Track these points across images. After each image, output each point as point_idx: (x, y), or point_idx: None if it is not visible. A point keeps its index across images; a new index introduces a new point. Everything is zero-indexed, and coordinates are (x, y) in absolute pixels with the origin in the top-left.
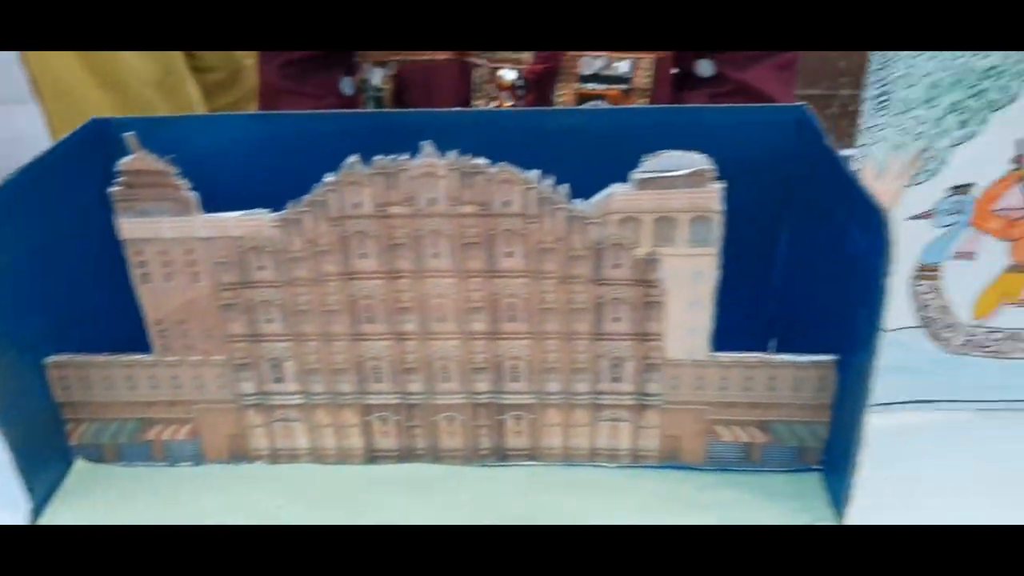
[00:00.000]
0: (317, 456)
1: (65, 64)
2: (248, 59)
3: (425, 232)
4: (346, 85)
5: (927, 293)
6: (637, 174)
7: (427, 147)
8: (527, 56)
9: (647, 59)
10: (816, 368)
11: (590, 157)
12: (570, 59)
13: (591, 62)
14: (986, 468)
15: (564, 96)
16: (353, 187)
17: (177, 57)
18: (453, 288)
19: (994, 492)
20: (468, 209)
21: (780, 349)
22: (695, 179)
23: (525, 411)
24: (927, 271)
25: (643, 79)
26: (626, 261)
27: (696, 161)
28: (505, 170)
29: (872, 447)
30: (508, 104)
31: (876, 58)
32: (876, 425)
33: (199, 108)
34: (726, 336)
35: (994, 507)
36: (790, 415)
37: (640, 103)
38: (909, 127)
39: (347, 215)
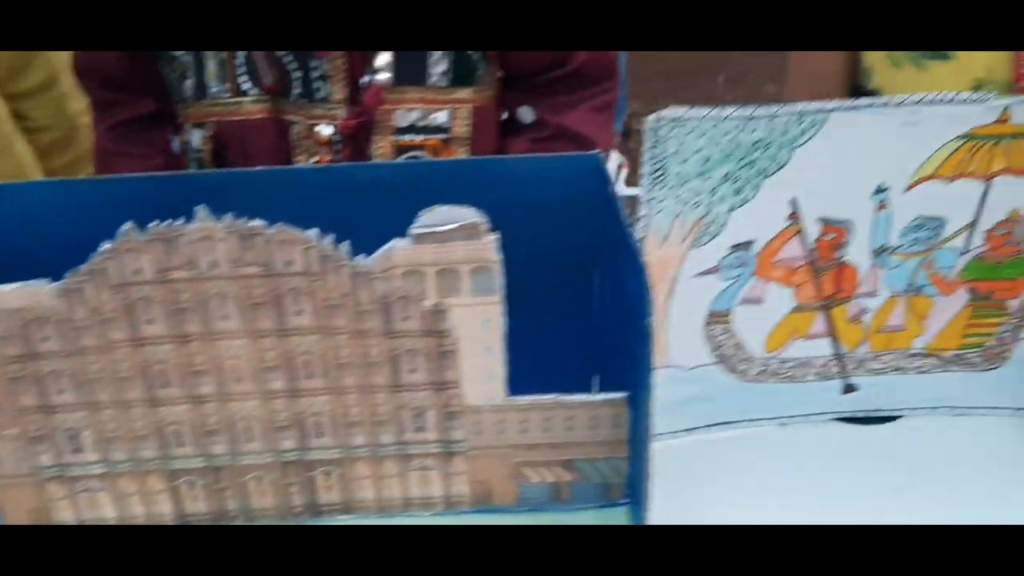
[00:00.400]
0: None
1: None
2: (83, 118)
3: (210, 295)
4: (177, 144)
5: (720, 336)
6: (414, 229)
7: (201, 211)
8: (341, 111)
9: (464, 108)
10: (609, 406)
11: (400, 211)
12: (385, 112)
13: (406, 114)
14: (786, 473)
15: (382, 149)
16: (131, 254)
17: (4, 119)
18: (245, 349)
19: (793, 494)
20: (251, 270)
21: (602, 387)
22: (470, 231)
23: (334, 466)
24: (718, 317)
25: (462, 128)
26: (415, 313)
27: (467, 215)
28: (283, 231)
29: (678, 467)
30: (327, 159)
31: (649, 136)
32: (682, 447)
33: (32, 170)
34: (554, 376)
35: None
36: (591, 453)
37: (460, 152)
38: (686, 197)
39: (128, 282)
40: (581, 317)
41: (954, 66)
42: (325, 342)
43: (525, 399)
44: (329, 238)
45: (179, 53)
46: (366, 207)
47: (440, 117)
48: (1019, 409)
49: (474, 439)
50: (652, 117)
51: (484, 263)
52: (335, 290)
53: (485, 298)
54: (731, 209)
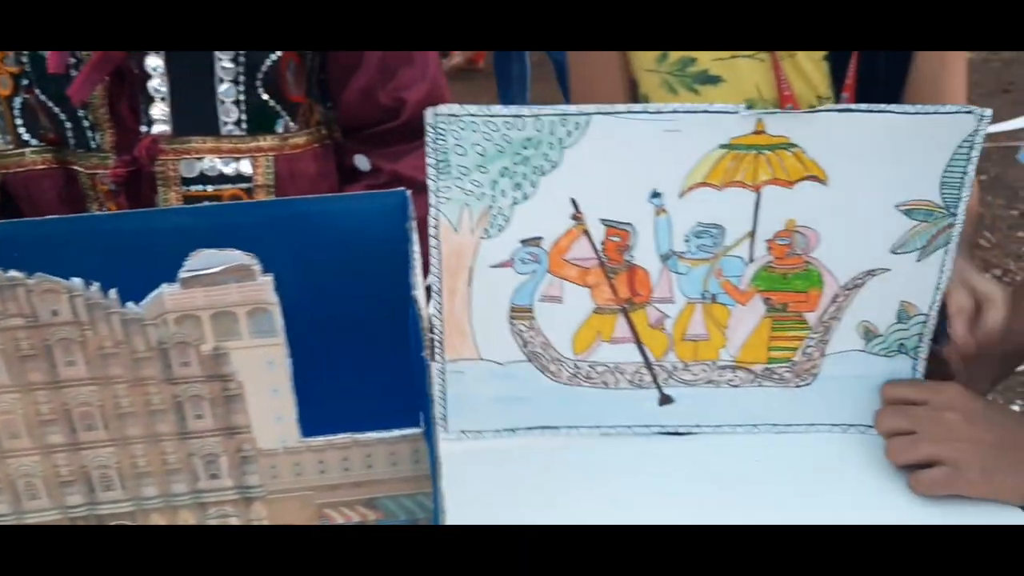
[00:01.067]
0: None
1: None
2: None
3: None
4: None
5: (527, 332)
6: (181, 273)
7: None
8: (112, 160)
9: (266, 157)
10: (407, 441)
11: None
12: (166, 163)
13: (192, 164)
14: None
15: (168, 201)
16: None
17: None
18: (19, 402)
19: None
20: (16, 322)
21: (427, 422)
22: (242, 273)
23: (127, 519)
24: (521, 312)
25: (265, 177)
26: (194, 358)
27: (237, 257)
28: (45, 280)
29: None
30: (114, 209)
31: (429, 130)
32: (502, 448)
33: None
34: (383, 413)
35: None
36: (394, 490)
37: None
38: (470, 188)
39: None
40: (401, 352)
41: (725, 88)
42: (103, 392)
43: (320, 439)
44: (95, 286)
45: None
46: (151, 254)
47: (241, 166)
48: (836, 425)
49: (271, 483)
50: (429, 111)
51: (261, 304)
52: (108, 338)
53: (266, 340)
54: (514, 203)
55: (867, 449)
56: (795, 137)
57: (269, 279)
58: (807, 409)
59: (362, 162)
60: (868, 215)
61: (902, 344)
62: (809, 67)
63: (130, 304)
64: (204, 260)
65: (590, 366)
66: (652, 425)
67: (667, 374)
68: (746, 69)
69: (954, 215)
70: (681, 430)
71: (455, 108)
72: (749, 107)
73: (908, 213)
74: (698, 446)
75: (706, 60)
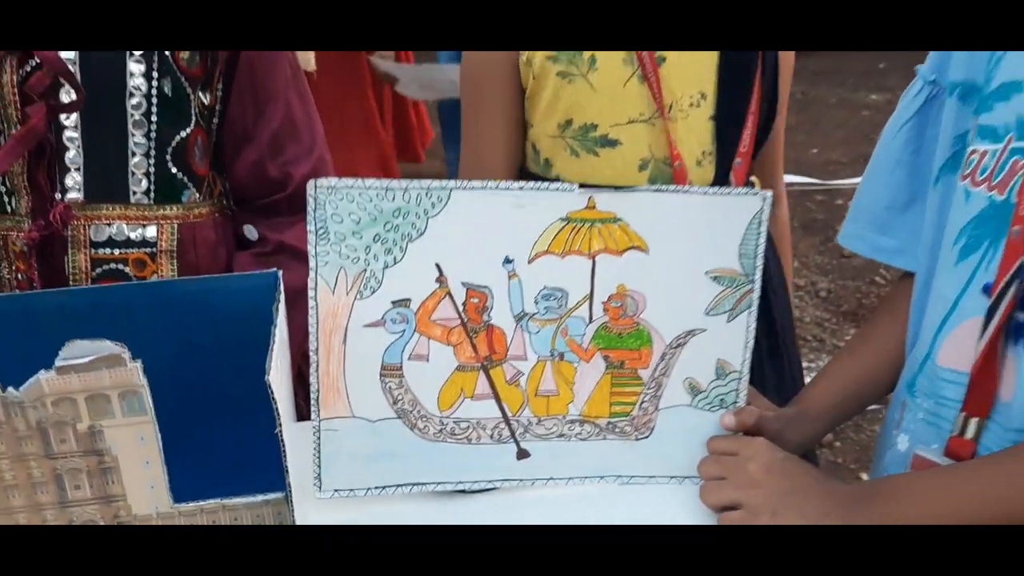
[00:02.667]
0: None
1: None
2: None
3: None
4: None
5: (396, 389)
6: (58, 361)
7: None
8: (27, 224)
9: (170, 224)
10: (271, 505)
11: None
12: (78, 227)
13: (102, 229)
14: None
15: (77, 262)
16: None
17: None
18: None
19: None
20: None
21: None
22: (113, 361)
23: None
24: (391, 370)
25: (168, 243)
26: (71, 436)
27: (108, 347)
28: None
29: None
30: (23, 268)
31: (309, 201)
32: (370, 510)
33: None
34: (250, 481)
35: None
36: None
37: (167, 265)
38: (346, 253)
39: None
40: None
41: (622, 150)
42: None
43: (191, 505)
44: None
45: None
46: (32, 334)
47: (147, 232)
48: (673, 477)
49: None
50: (311, 183)
51: (131, 387)
52: None
53: (137, 418)
54: (385, 267)
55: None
56: (620, 212)
57: (138, 365)
58: (647, 461)
59: (250, 231)
60: (684, 281)
61: (722, 400)
62: (698, 127)
63: (11, 389)
64: (78, 350)
65: (455, 422)
66: (511, 479)
67: (523, 428)
68: (641, 132)
69: (752, 281)
70: (538, 483)
71: (333, 181)
72: (642, 167)
73: (716, 279)
74: (551, 500)
75: (605, 126)
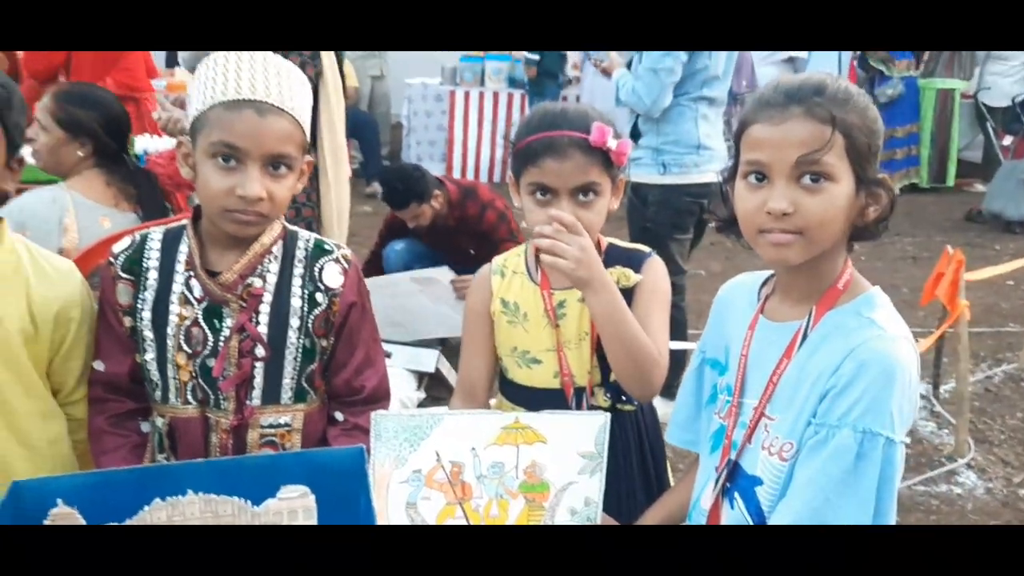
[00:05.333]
0: None
1: None
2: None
3: None
4: (144, 427)
5: (415, 515)
6: (279, 495)
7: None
8: (231, 416)
9: (300, 414)
10: None
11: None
12: (256, 418)
13: (267, 418)
14: None
15: (252, 436)
16: None
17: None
18: None
19: None
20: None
21: None
22: (303, 495)
23: None
24: (411, 505)
25: (298, 424)
26: None
27: (300, 490)
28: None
29: None
30: (227, 439)
31: (373, 420)
32: None
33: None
34: None
35: None
36: None
37: (296, 436)
38: (390, 446)
39: None
40: None
41: (544, 367)
42: None
43: None
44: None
45: (156, 377)
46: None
47: (288, 419)
48: None
49: None
50: (373, 414)
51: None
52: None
53: None
54: (409, 453)
55: None
56: (530, 423)
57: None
58: None
59: (339, 415)
60: (565, 457)
61: (588, 518)
62: (586, 357)
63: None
64: (286, 491)
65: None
66: None
67: None
68: (551, 358)
69: (602, 456)
70: None
71: (385, 412)
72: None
73: (582, 455)
74: None
75: (536, 351)
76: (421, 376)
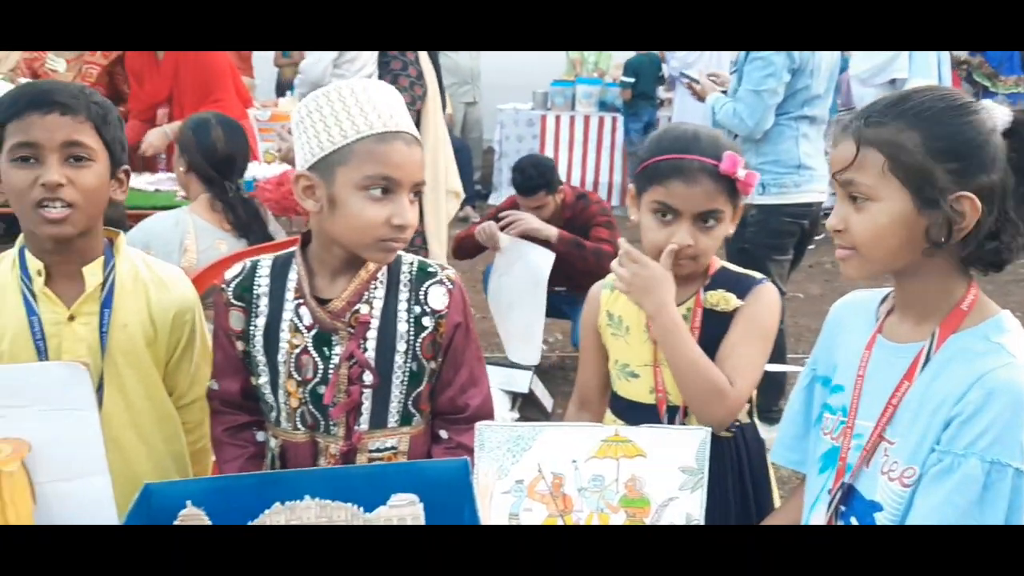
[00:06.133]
0: None
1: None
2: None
3: None
4: (260, 436)
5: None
6: (391, 502)
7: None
8: (341, 442)
9: (406, 437)
10: None
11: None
12: (364, 442)
13: (375, 442)
14: None
15: (360, 461)
16: None
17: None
18: None
19: None
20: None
21: None
22: (410, 502)
23: None
24: (512, 516)
25: (404, 447)
26: None
27: (409, 498)
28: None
29: None
30: (334, 464)
31: (478, 432)
32: None
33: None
34: None
35: None
36: None
37: (402, 459)
38: (493, 457)
39: None
40: None
41: (640, 381)
42: None
43: None
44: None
45: (270, 400)
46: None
47: (392, 442)
48: None
49: None
50: (478, 424)
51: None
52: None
53: None
54: (512, 464)
55: None
56: (630, 436)
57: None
58: None
59: (443, 434)
60: (665, 472)
61: None
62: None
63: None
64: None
65: None
66: None
67: None
68: (648, 373)
69: (703, 472)
70: None
71: (489, 423)
72: None
73: (682, 470)
74: None
75: (635, 365)
76: (515, 396)
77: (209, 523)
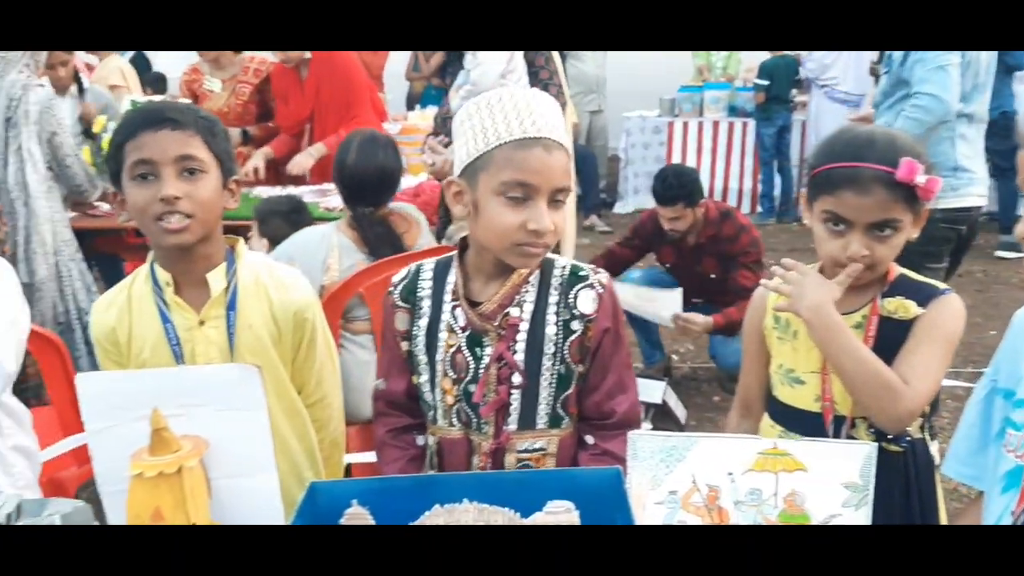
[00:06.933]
0: None
1: None
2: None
3: None
4: (420, 440)
5: None
6: (547, 508)
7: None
8: (492, 442)
9: (555, 439)
10: None
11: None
12: (512, 443)
13: (523, 443)
14: None
15: (509, 460)
16: None
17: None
18: None
19: None
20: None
21: None
22: (567, 510)
23: None
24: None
25: (552, 448)
26: None
27: (566, 505)
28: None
29: None
30: (488, 462)
31: (630, 441)
32: None
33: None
34: None
35: None
36: None
37: (550, 462)
38: (646, 467)
39: None
40: None
41: (806, 388)
42: None
43: None
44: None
45: (429, 398)
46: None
47: (540, 443)
48: None
49: None
50: (630, 434)
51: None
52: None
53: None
54: (665, 475)
55: None
56: (787, 449)
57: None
58: None
59: (589, 439)
60: (828, 487)
61: None
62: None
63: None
64: (552, 506)
65: None
66: None
67: None
68: (815, 380)
69: (868, 489)
70: None
71: (642, 432)
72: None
73: (845, 486)
74: None
75: (800, 371)
76: (648, 407)
77: (373, 522)
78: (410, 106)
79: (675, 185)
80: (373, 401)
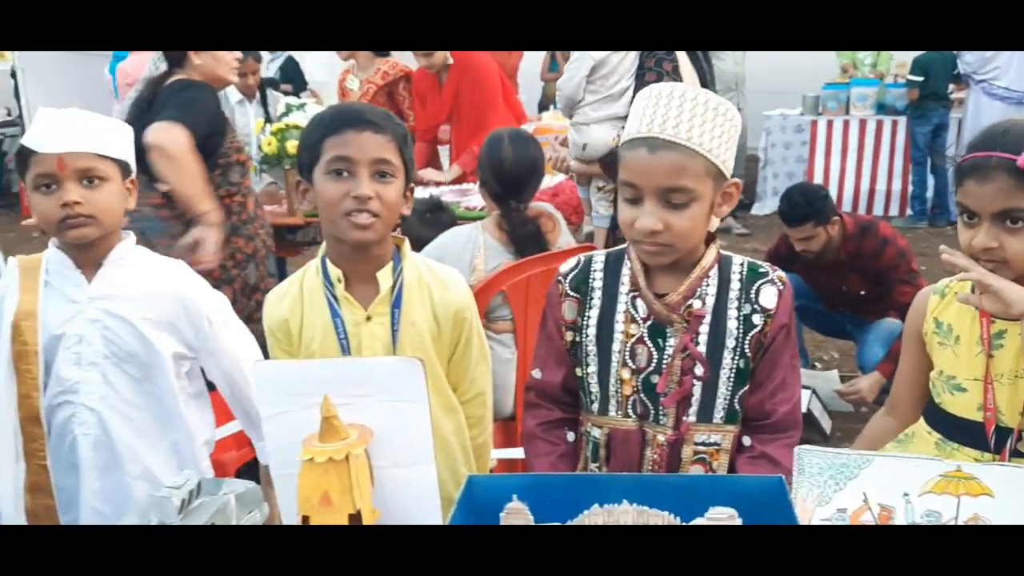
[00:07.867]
0: None
1: None
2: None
3: None
4: (570, 436)
5: None
6: (708, 514)
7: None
8: (669, 431)
9: (730, 435)
10: None
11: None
12: (691, 434)
13: (701, 436)
14: None
15: (686, 453)
16: None
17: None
18: None
19: None
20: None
21: None
22: (730, 517)
23: None
24: None
25: (727, 444)
26: None
27: (729, 512)
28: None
29: None
30: (663, 453)
31: (797, 456)
32: None
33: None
34: None
35: None
36: None
37: (724, 458)
38: (814, 482)
39: None
40: None
41: (967, 396)
42: None
43: None
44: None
45: (596, 390)
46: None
47: (716, 438)
48: None
49: None
50: (796, 449)
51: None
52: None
53: None
54: (835, 492)
55: None
56: (972, 472)
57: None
58: None
59: (746, 440)
60: (1019, 515)
61: None
62: (1020, 396)
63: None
64: (716, 512)
65: None
66: None
67: None
68: (977, 388)
69: None
70: None
71: (811, 448)
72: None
73: None
74: None
75: (962, 378)
76: None
77: (532, 519)
78: (543, 107)
79: (802, 203)
80: (525, 391)
